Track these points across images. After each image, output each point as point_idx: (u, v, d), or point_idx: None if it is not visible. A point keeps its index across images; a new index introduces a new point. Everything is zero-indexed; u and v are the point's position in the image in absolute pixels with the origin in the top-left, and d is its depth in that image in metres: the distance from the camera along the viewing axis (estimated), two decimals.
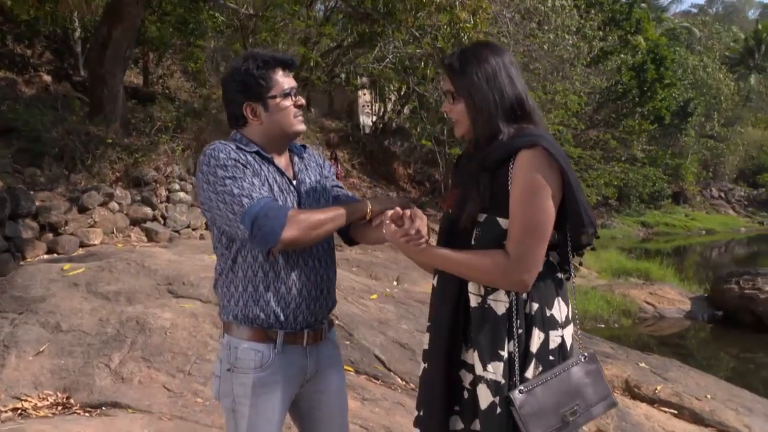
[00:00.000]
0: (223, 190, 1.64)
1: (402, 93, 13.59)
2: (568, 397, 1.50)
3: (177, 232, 9.15)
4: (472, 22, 9.39)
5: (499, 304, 1.52)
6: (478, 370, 1.51)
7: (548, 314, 1.54)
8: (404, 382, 4.06)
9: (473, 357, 1.53)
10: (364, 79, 19.27)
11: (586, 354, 1.57)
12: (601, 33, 19.69)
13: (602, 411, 1.56)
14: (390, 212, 1.57)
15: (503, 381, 1.48)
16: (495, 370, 1.49)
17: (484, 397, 1.50)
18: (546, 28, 17.29)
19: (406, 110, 14.68)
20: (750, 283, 9.91)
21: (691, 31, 36.01)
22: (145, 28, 11.36)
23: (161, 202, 9.09)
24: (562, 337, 1.56)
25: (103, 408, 3.27)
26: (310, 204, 1.79)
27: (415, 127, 14.91)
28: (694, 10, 52.09)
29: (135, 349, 3.71)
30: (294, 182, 1.79)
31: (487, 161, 1.56)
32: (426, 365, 1.66)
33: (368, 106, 22.36)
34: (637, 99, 21.75)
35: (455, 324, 1.57)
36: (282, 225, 1.58)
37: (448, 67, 1.64)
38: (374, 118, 21.69)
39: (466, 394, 1.57)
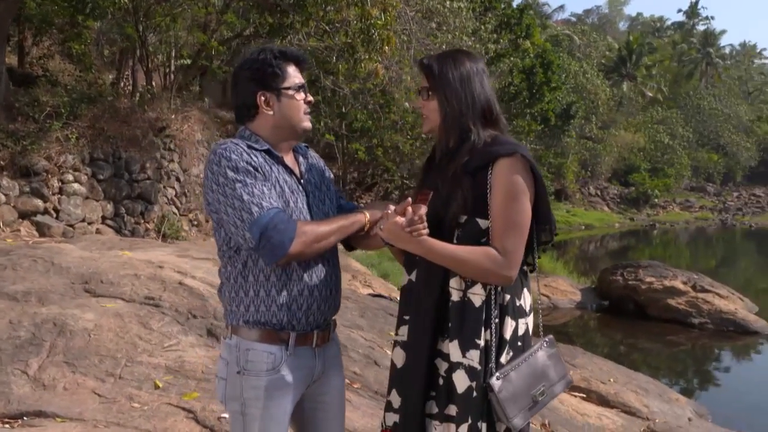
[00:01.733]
0: (233, 194, 1.60)
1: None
2: (536, 379, 1.65)
3: (71, 226, 8.55)
4: (383, 19, 9.48)
5: (476, 296, 1.63)
6: (456, 357, 1.61)
7: (518, 304, 1.67)
8: (348, 381, 4.07)
9: (449, 347, 1.63)
10: None
11: (547, 339, 1.73)
12: (495, 36, 20.58)
13: (562, 389, 1.73)
14: (389, 211, 1.61)
15: (479, 367, 1.59)
16: (472, 357, 1.60)
17: (461, 381, 1.60)
18: (444, 28, 17.81)
19: None
20: (633, 275, 10.78)
21: (572, 38, 38.40)
22: (23, 4, 10.46)
23: (53, 194, 8.45)
24: (527, 324, 1.70)
25: (26, 418, 3.02)
26: (317, 204, 1.78)
27: (318, 122, 14.81)
28: (574, 19, 55.52)
29: (55, 354, 3.45)
30: (302, 182, 1.78)
31: (468, 166, 1.66)
32: (404, 355, 1.72)
33: None
34: (527, 100, 22.91)
35: (438, 316, 1.65)
36: (291, 239, 1.58)
37: (426, 66, 1.73)
38: None
39: (441, 381, 1.66)
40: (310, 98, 1.77)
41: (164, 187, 11.09)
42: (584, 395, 5.16)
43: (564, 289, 11.50)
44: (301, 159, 1.83)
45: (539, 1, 36.38)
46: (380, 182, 20.75)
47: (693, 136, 40.84)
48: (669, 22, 58.12)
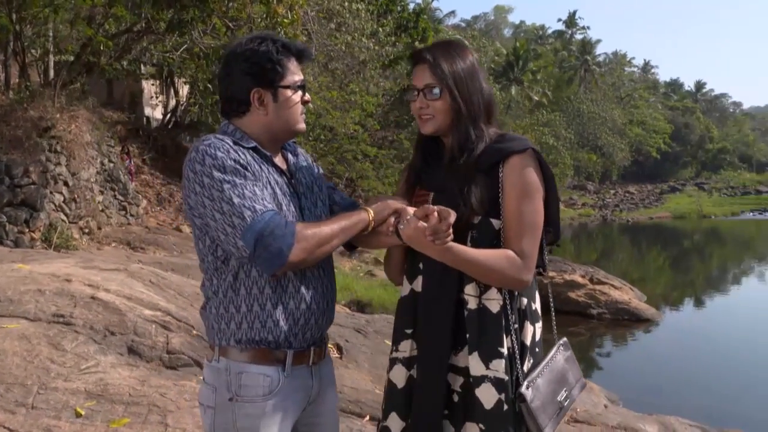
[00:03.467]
0: (221, 196, 1.41)
1: (203, 87, 12.86)
2: (559, 384, 1.58)
3: None
4: (290, 17, 9.27)
5: (493, 302, 1.53)
6: (479, 370, 1.50)
7: (533, 308, 1.60)
8: None
9: (468, 360, 1.52)
10: (151, 68, 17.96)
11: (562, 342, 1.66)
12: (392, 39, 20.81)
13: (579, 392, 1.66)
14: (411, 210, 1.47)
15: (506, 377, 1.49)
16: (497, 368, 1.49)
17: (489, 396, 1.49)
18: (344, 29, 17.78)
19: (208, 102, 13.96)
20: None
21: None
22: None
23: None
24: (541, 328, 1.63)
25: None
26: (309, 206, 1.61)
27: (219, 122, 14.26)
28: (463, 24, 57.42)
29: None
30: (293, 182, 1.60)
31: (480, 164, 1.56)
32: (406, 373, 1.60)
33: (156, 97, 20.86)
34: None
35: (456, 328, 1.54)
36: (290, 245, 1.40)
37: (432, 63, 1.58)
38: (164, 111, 20.32)
39: (456, 398, 1.55)
40: (308, 98, 1.60)
41: (51, 192, 10.21)
42: None
43: None
44: (290, 157, 1.65)
45: (432, 6, 37.15)
46: None
47: (574, 138, 43.36)
48: (550, 31, 61.52)
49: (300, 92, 1.58)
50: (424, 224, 1.41)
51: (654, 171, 54.90)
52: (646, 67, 68.61)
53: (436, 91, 1.58)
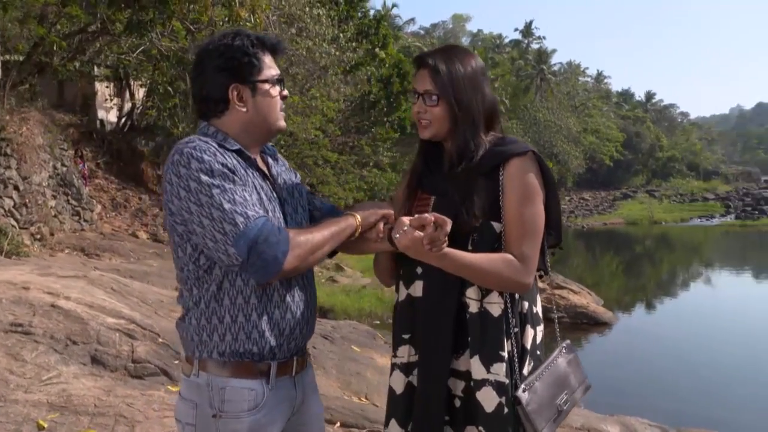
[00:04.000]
0: (210, 202, 1.35)
1: (163, 90, 12.60)
2: (559, 387, 1.57)
3: None
4: (253, 21, 9.18)
5: (494, 306, 1.53)
6: (480, 374, 1.50)
7: (534, 311, 1.60)
8: None
9: (470, 363, 1.52)
10: (106, 70, 17.50)
11: (565, 344, 1.66)
12: (353, 45, 20.82)
13: (582, 395, 1.65)
14: (406, 219, 1.45)
15: (507, 381, 1.50)
16: (498, 371, 1.50)
17: (489, 400, 1.50)
18: (305, 34, 17.69)
19: (167, 106, 13.67)
20: None
21: (423, 50, 39.97)
22: None
23: None
24: (543, 331, 1.63)
25: None
26: (291, 212, 1.56)
27: (177, 126, 13.98)
28: (422, 32, 57.89)
29: None
30: (275, 187, 1.55)
31: (481, 167, 1.56)
32: (404, 379, 1.59)
33: (110, 100, 20.33)
34: (385, 109, 23.41)
35: (457, 332, 1.54)
36: (285, 252, 1.36)
37: (433, 68, 1.58)
38: (119, 114, 19.82)
39: (457, 403, 1.55)
40: (286, 93, 1.56)
41: (0, 197, 9.83)
42: None
43: None
44: (270, 161, 1.61)
45: (391, 13, 37.38)
46: None
47: (531, 145, 44.17)
48: (507, 40, 62.47)
49: (278, 87, 1.53)
50: (421, 234, 1.39)
51: (607, 178, 56.31)
52: (599, 77, 70.39)
53: (435, 98, 1.57)
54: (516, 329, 1.54)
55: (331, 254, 1.64)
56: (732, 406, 7.08)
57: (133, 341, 3.68)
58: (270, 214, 1.46)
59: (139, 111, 19.16)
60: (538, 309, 1.62)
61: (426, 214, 1.41)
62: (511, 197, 1.53)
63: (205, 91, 1.49)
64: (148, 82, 15.18)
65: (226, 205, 1.34)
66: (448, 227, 1.39)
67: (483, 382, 1.50)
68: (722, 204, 45.91)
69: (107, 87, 19.82)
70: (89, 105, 20.10)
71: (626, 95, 74.76)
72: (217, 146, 1.43)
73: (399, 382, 1.60)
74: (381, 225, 1.56)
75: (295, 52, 16.90)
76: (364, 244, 1.60)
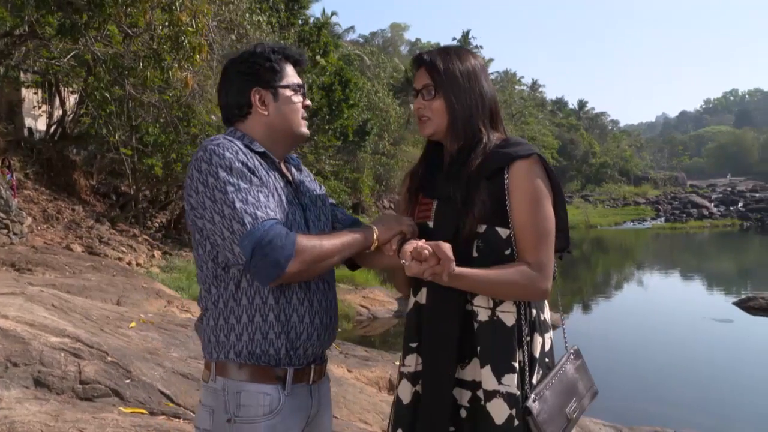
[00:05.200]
0: (223, 198, 1.35)
1: (100, 96, 12.10)
2: (568, 395, 1.53)
3: None
4: (194, 25, 8.94)
5: (508, 315, 1.49)
6: (491, 385, 1.46)
7: (542, 318, 1.57)
8: None
9: (477, 373, 1.48)
10: (34, 76, 16.72)
11: (572, 350, 1.63)
12: None
13: (590, 401, 1.62)
14: (409, 248, 1.39)
15: (518, 392, 1.46)
16: (509, 382, 1.46)
17: (500, 411, 1.46)
18: (245, 41, 17.45)
19: (103, 113, 13.13)
20: None
21: (363, 58, 40.10)
22: None
23: None
24: (551, 338, 1.60)
25: None
26: (313, 219, 1.55)
27: (113, 134, 13.46)
28: (362, 40, 58.10)
29: None
30: (298, 194, 1.54)
31: (484, 170, 1.52)
32: (411, 389, 1.55)
33: (39, 107, 19.42)
34: (327, 117, 23.32)
35: (462, 341, 1.49)
36: (288, 257, 1.34)
37: (429, 62, 1.58)
38: (48, 122, 18.94)
39: (464, 413, 1.50)
40: (308, 102, 1.58)
41: None
42: None
43: (381, 299, 11.81)
44: (293, 170, 1.60)
45: (331, 21, 37.35)
46: (176, 200, 19.52)
47: None
48: None
49: (300, 94, 1.56)
50: (424, 265, 1.36)
51: None
52: (534, 85, 72.47)
53: (432, 91, 1.56)
54: (528, 338, 1.50)
55: (353, 267, 1.65)
56: (676, 403, 7.33)
57: (79, 361, 3.47)
58: (290, 217, 1.46)
59: (70, 118, 18.37)
60: (546, 315, 1.59)
61: (426, 247, 1.35)
62: (520, 202, 1.50)
63: (230, 97, 1.54)
64: (81, 88, 14.57)
65: (238, 204, 1.34)
66: (449, 253, 1.35)
67: (494, 394, 1.46)
68: (653, 208, 47.92)
69: (35, 93, 18.94)
70: (15, 112, 19.11)
71: (560, 103, 77.16)
72: (242, 146, 1.44)
73: (406, 391, 1.56)
74: (394, 241, 1.53)
75: None
76: (380, 258, 1.57)
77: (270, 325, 1.42)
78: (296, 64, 1.59)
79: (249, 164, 1.41)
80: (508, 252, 1.50)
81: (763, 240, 32.08)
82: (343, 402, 4.37)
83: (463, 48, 1.65)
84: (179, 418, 3.35)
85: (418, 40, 72.42)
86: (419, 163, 1.69)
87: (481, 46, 61.18)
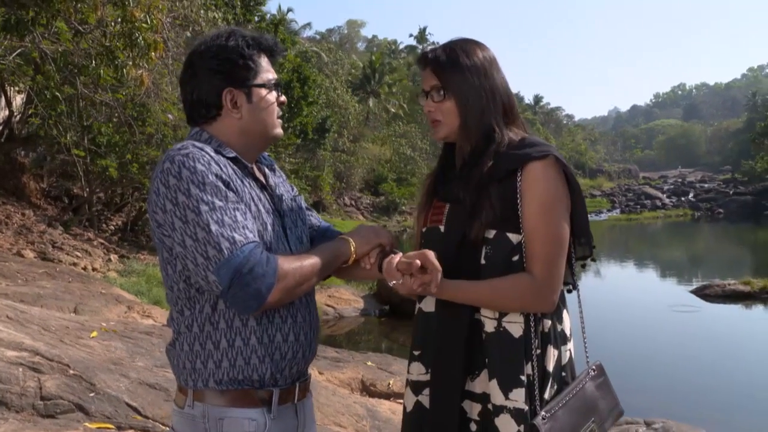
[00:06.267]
0: (196, 220, 1.21)
1: (50, 96, 11.65)
2: (584, 415, 1.43)
3: None
4: (149, 22, 8.66)
5: (515, 325, 1.41)
6: (499, 399, 1.39)
7: (559, 329, 1.48)
8: (168, 427, 3.50)
9: (489, 386, 1.41)
10: None
11: (594, 366, 1.51)
12: None
13: (613, 422, 1.51)
14: (395, 261, 1.34)
15: (526, 407, 1.38)
16: (517, 397, 1.38)
17: (508, 427, 1.38)
18: (201, 38, 17.10)
19: (54, 113, 12.64)
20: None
21: (320, 55, 39.80)
22: None
23: None
24: (570, 350, 1.50)
25: None
26: (290, 227, 1.43)
27: (64, 134, 12.98)
28: (318, 37, 57.68)
29: None
30: (275, 200, 1.42)
31: (495, 172, 1.43)
32: (414, 399, 1.48)
33: None
34: (286, 114, 23.06)
35: (468, 351, 1.42)
36: (270, 286, 1.23)
37: (434, 60, 1.48)
38: None
39: (474, 427, 1.43)
40: (283, 98, 1.44)
41: None
42: None
43: (347, 298, 11.71)
44: (267, 172, 1.47)
45: (287, 18, 36.96)
46: (132, 201, 19.00)
47: (430, 149, 45.14)
48: (402, 45, 63.57)
49: (275, 92, 1.41)
50: (410, 280, 1.34)
51: None
52: None
53: (441, 92, 1.47)
54: (538, 350, 1.41)
55: (324, 277, 1.52)
56: (642, 392, 7.45)
57: (39, 375, 3.28)
58: (269, 228, 1.34)
59: (17, 119, 17.66)
60: (565, 326, 1.49)
61: (414, 259, 1.32)
62: (530, 205, 1.40)
63: (197, 94, 1.38)
64: (28, 87, 14.00)
65: (213, 227, 1.21)
66: (436, 263, 1.32)
67: (501, 409, 1.39)
68: (608, 200, 49.11)
69: None
70: None
71: (516, 98, 78.08)
72: (213, 153, 1.30)
73: (409, 400, 1.50)
74: (372, 254, 1.46)
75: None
76: (356, 271, 1.50)
77: (252, 349, 1.30)
78: (271, 55, 1.44)
79: (223, 176, 1.27)
80: (516, 259, 1.42)
81: (713, 229, 33.21)
82: (317, 405, 4.27)
83: (470, 41, 1.53)
84: (148, 431, 3.20)
85: (374, 36, 72.49)
86: (437, 165, 1.61)
87: (438, 43, 61.26)
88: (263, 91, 1.39)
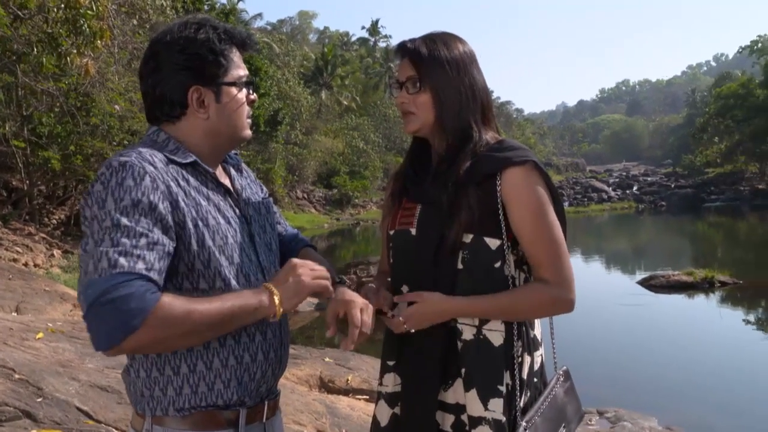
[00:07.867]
0: (95, 232, 1.07)
1: None
2: (557, 422, 1.42)
3: None
4: (95, 9, 8.33)
5: (495, 333, 1.38)
6: (477, 411, 1.35)
7: (531, 335, 1.45)
8: (120, 431, 3.37)
9: (460, 396, 1.37)
10: None
11: (562, 372, 1.51)
12: None
13: (577, 426, 1.50)
14: (356, 314, 1.31)
15: (504, 418, 1.34)
16: (495, 408, 1.35)
17: None
18: (148, 26, 16.58)
19: None
20: (365, 272, 11.39)
21: (272, 46, 39.25)
22: None
23: None
24: (542, 356, 1.48)
25: None
26: (258, 232, 1.33)
27: (3, 125, 12.41)
28: (269, 28, 56.85)
29: None
30: (240, 204, 1.30)
31: (473, 174, 1.39)
32: (389, 411, 1.43)
33: None
34: None
35: (445, 360, 1.38)
36: (129, 329, 0.99)
37: (413, 51, 1.43)
38: None
39: None
40: (254, 96, 1.32)
41: None
42: (368, 397, 5.19)
43: None
44: (233, 172, 1.36)
45: (238, 7, 36.24)
46: (75, 194, 18.33)
47: (383, 141, 45.19)
48: (354, 38, 63.38)
49: (246, 90, 1.29)
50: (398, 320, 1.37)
51: None
52: None
53: (417, 84, 1.42)
54: (519, 359, 1.39)
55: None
56: (596, 382, 7.63)
57: None
58: (230, 240, 1.22)
59: None
60: (536, 331, 1.47)
61: (365, 320, 1.30)
62: (521, 215, 1.37)
63: (159, 90, 1.23)
64: None
65: (104, 244, 1.05)
66: (354, 323, 1.29)
67: (479, 420, 1.34)
68: None
69: None
70: None
71: None
72: (162, 162, 1.17)
73: (384, 413, 1.44)
74: (329, 313, 1.35)
75: (138, 45, 15.77)
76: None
77: (216, 373, 1.18)
78: (243, 48, 1.30)
79: (152, 198, 1.10)
80: (498, 265, 1.38)
81: (655, 221, 34.35)
82: None
83: (450, 34, 1.49)
84: None
85: (326, 28, 71.96)
86: (404, 163, 1.55)
87: (390, 36, 61.38)
88: (233, 90, 1.27)
